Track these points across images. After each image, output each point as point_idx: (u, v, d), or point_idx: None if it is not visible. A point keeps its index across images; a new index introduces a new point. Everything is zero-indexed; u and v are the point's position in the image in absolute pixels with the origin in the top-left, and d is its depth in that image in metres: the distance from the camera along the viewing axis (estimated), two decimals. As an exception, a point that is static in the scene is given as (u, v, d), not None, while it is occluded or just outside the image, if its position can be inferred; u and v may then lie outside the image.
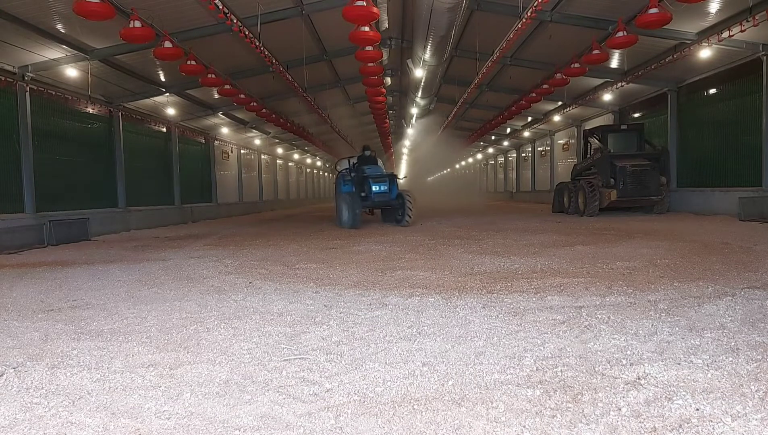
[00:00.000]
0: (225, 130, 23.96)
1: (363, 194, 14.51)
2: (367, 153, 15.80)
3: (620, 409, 2.34)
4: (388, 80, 20.43)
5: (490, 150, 40.97)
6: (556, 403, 2.42)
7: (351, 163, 15.82)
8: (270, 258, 8.14)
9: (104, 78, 13.95)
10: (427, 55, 14.17)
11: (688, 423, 2.20)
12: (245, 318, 4.25)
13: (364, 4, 9.66)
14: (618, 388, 2.56)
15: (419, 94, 19.89)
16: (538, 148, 31.07)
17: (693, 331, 3.49)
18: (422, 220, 15.34)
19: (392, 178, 14.79)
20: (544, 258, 7.10)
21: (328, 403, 2.53)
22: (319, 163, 49.13)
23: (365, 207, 14.57)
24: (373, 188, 14.14)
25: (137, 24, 9.54)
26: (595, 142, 16.71)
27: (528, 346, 3.27)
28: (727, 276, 5.40)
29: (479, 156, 43.65)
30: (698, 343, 3.23)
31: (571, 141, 25.77)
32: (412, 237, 10.70)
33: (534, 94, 18.71)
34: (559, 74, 15.94)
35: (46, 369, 3.13)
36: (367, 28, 10.80)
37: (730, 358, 2.94)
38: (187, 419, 2.40)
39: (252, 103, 18.07)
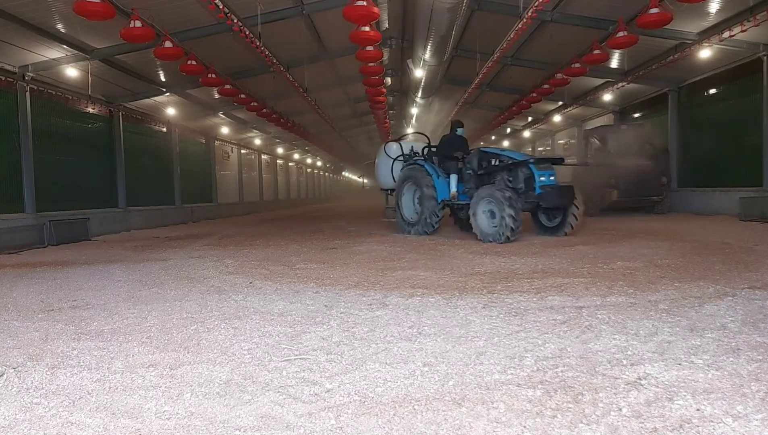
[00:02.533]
0: (225, 130, 23.97)
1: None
2: (460, 131, 11.36)
3: (621, 410, 2.33)
4: (389, 80, 20.43)
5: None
6: (556, 404, 2.42)
7: (415, 150, 12.00)
8: (270, 258, 8.14)
9: (104, 78, 13.94)
10: (428, 55, 14.17)
11: (688, 423, 2.19)
12: (246, 318, 4.24)
13: (365, 4, 9.66)
14: (619, 389, 2.56)
15: (419, 94, 19.89)
16: (539, 148, 31.05)
17: (694, 331, 3.48)
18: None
19: (559, 163, 10.23)
20: (545, 258, 7.09)
21: (329, 403, 2.52)
22: (319, 163, 49.12)
23: (526, 209, 9.59)
24: (540, 178, 9.37)
25: (137, 24, 9.54)
26: (595, 142, 16.72)
27: (529, 347, 3.27)
28: (727, 276, 5.39)
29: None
30: (699, 343, 3.23)
31: (572, 141, 25.76)
32: (412, 237, 10.69)
33: (534, 94, 18.72)
34: (559, 74, 15.95)
35: (46, 369, 3.12)
36: (367, 28, 10.80)
37: (731, 359, 2.93)
38: (188, 419, 2.39)
39: (252, 103, 18.08)
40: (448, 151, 10.95)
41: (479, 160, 10.31)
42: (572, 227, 9.62)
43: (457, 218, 11.68)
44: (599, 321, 3.79)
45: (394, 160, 12.14)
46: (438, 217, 10.71)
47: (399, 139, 12.67)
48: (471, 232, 9.80)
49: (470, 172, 10.43)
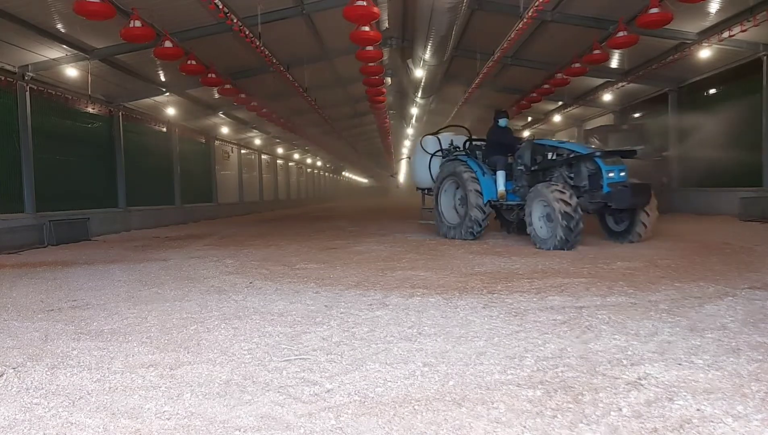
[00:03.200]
0: (225, 130, 23.97)
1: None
2: (503, 122, 10.05)
3: (621, 410, 2.33)
4: (389, 80, 20.43)
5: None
6: (557, 404, 2.42)
7: (455, 144, 10.76)
8: (270, 258, 8.14)
9: (104, 78, 13.94)
10: (428, 55, 14.17)
11: (689, 423, 2.19)
12: (246, 318, 4.24)
13: (365, 3, 9.67)
14: (619, 389, 2.56)
15: (419, 94, 19.89)
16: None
17: (694, 331, 3.48)
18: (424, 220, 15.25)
19: (630, 156, 8.72)
20: (545, 258, 7.09)
21: (329, 403, 2.52)
22: (319, 163, 49.13)
23: (590, 210, 8.40)
24: (608, 175, 8.05)
25: (137, 24, 9.54)
26: (595, 142, 16.72)
27: (529, 347, 3.27)
28: (728, 276, 5.39)
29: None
30: (699, 343, 3.23)
31: (572, 141, 25.76)
32: (413, 237, 10.69)
33: (535, 94, 18.73)
34: (559, 74, 15.96)
35: (46, 369, 3.12)
36: (367, 28, 10.81)
37: (732, 359, 2.93)
38: (188, 419, 2.39)
39: (252, 103, 18.07)
40: (495, 144, 9.79)
41: (532, 154, 9.07)
42: (641, 235, 8.31)
43: (504, 221, 10.66)
44: (599, 321, 3.78)
45: (432, 155, 11.03)
46: (482, 221, 9.48)
47: (436, 132, 11.44)
48: (521, 235, 9.11)
49: (521, 168, 9.21)
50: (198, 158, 22.43)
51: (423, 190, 11.88)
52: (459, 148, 10.75)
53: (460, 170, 9.83)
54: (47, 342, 3.74)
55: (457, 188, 10.15)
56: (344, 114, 27.62)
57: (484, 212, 9.45)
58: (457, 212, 10.29)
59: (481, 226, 9.52)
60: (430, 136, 11.36)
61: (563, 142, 9.22)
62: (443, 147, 10.93)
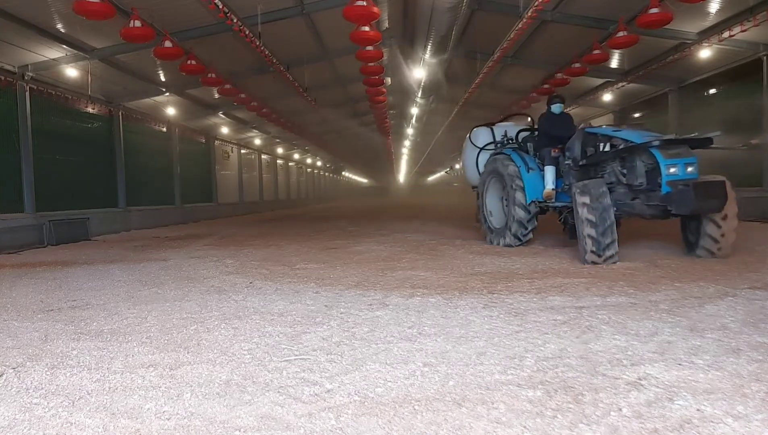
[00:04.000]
0: (225, 130, 23.97)
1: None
2: (557, 108, 8.47)
3: (621, 410, 2.33)
4: (389, 80, 20.43)
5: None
6: (557, 404, 2.42)
7: (510, 136, 9.37)
8: (271, 258, 8.14)
9: (104, 78, 13.95)
10: (428, 55, 14.19)
11: (689, 423, 2.19)
12: (246, 318, 4.24)
13: (365, 3, 9.68)
14: (619, 389, 2.56)
15: (419, 94, 19.90)
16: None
17: (694, 331, 3.48)
18: (424, 220, 15.31)
19: (703, 145, 6.67)
20: (545, 258, 7.09)
21: (329, 403, 2.52)
22: (319, 163, 49.12)
23: (648, 216, 6.86)
24: (669, 170, 6.35)
25: (137, 23, 9.54)
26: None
27: (529, 347, 3.27)
28: (728, 276, 5.39)
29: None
30: (699, 343, 3.22)
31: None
32: (413, 237, 10.68)
33: (535, 94, 18.73)
34: (559, 74, 15.97)
35: (46, 369, 3.12)
36: (367, 28, 10.82)
37: (732, 359, 2.93)
38: (188, 420, 2.39)
39: (252, 103, 18.07)
40: (545, 134, 8.38)
41: (583, 146, 7.53)
42: (711, 252, 6.51)
43: (565, 223, 8.87)
44: (600, 321, 3.78)
45: (481, 149, 9.70)
46: (527, 222, 8.20)
47: (495, 123, 10.05)
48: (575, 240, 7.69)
49: (569, 162, 7.78)
50: (198, 158, 22.43)
51: (476, 188, 10.23)
52: (513, 140, 9.43)
53: (503, 166, 8.57)
54: (47, 342, 3.74)
55: (504, 187, 8.80)
56: (344, 114, 27.62)
57: (529, 211, 8.14)
58: (505, 215, 8.90)
59: (526, 227, 8.24)
60: (482, 128, 9.92)
61: (619, 130, 7.32)
62: (496, 139, 9.61)
